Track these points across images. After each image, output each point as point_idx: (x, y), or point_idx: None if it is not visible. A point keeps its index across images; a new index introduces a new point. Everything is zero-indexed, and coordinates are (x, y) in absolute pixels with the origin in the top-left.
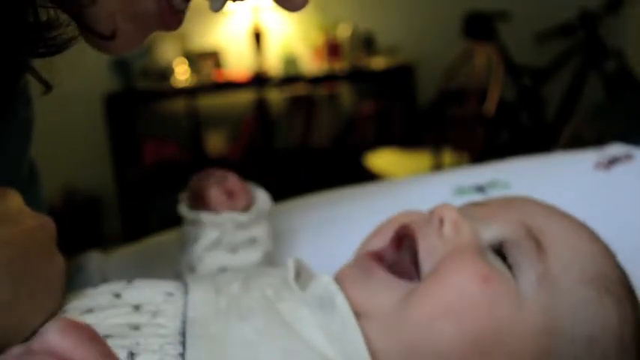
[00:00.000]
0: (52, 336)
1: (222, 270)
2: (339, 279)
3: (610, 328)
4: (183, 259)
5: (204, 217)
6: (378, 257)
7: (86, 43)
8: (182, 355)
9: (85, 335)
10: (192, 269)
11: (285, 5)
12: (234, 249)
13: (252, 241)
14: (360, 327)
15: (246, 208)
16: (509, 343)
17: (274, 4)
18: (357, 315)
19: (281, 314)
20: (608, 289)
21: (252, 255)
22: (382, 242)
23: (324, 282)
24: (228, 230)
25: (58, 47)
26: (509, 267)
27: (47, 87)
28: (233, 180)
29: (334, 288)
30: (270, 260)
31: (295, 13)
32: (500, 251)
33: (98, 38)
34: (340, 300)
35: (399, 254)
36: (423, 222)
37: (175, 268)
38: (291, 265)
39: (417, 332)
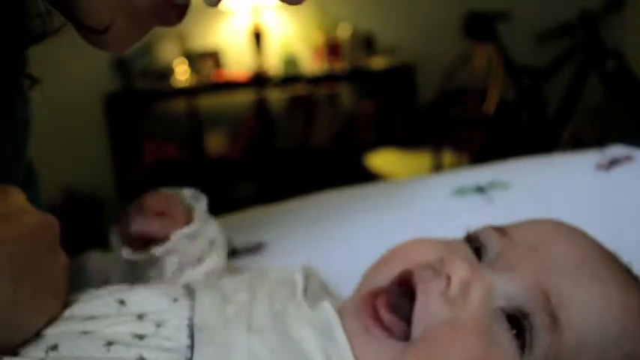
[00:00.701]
0: None
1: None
2: (341, 314)
3: None
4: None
5: (158, 251)
6: (375, 306)
7: (85, 44)
8: None
9: None
10: None
11: None
12: (199, 259)
13: (212, 243)
14: None
15: (187, 217)
16: None
17: (276, 1)
18: None
19: (289, 331)
20: None
21: (219, 257)
22: (386, 278)
23: (325, 311)
24: (185, 249)
25: (38, 37)
26: (517, 338)
27: (33, 81)
28: (154, 201)
29: (334, 321)
30: (231, 253)
31: (295, 13)
32: (514, 314)
33: (90, 33)
34: (339, 334)
35: (404, 289)
36: (429, 273)
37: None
38: (299, 280)
39: None
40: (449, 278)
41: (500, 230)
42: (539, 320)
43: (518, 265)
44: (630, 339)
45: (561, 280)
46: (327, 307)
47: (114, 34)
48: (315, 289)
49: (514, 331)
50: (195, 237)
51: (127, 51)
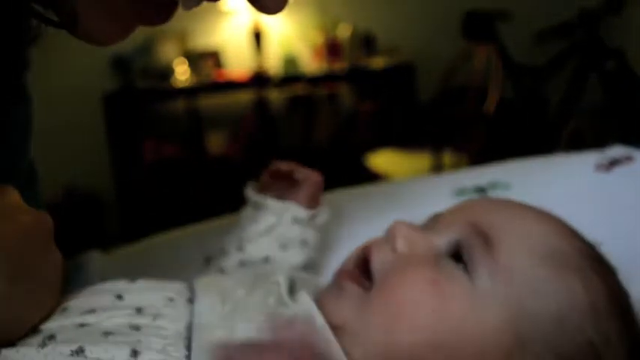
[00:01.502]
0: None
1: (265, 261)
2: (320, 296)
3: (577, 301)
4: (233, 238)
5: (269, 201)
6: (350, 274)
7: (86, 44)
8: (188, 357)
9: None
10: (240, 249)
11: (259, 8)
12: (284, 245)
13: (304, 243)
14: (340, 343)
15: (311, 203)
16: (475, 340)
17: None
18: (335, 329)
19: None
20: (567, 264)
21: (299, 256)
22: (350, 266)
23: (305, 304)
24: (284, 221)
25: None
26: (465, 267)
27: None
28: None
29: (314, 310)
30: (312, 266)
31: (295, 13)
32: (457, 255)
33: (66, 26)
34: (320, 321)
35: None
36: (381, 242)
37: (213, 251)
38: (282, 281)
39: (380, 340)
40: (395, 237)
41: (437, 214)
42: (474, 243)
43: (448, 222)
44: (555, 239)
45: (485, 213)
46: (304, 298)
47: (94, 29)
48: (302, 286)
49: (459, 265)
50: (300, 223)
51: (113, 45)
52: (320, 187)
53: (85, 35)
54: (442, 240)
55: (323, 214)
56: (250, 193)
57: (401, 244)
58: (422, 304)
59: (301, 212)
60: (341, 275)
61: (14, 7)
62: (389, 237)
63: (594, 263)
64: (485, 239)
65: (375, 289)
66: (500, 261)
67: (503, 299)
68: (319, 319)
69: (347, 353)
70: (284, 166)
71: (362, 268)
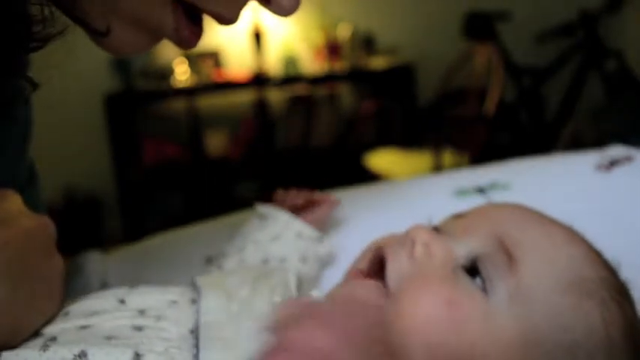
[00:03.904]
0: None
1: (264, 263)
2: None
3: (594, 332)
4: (235, 243)
5: (277, 213)
6: (364, 274)
7: (86, 45)
8: (196, 356)
9: None
10: (241, 249)
11: (274, 10)
12: (283, 258)
13: (303, 259)
14: None
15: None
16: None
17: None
18: None
19: None
20: (589, 294)
21: (296, 270)
22: (364, 266)
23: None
24: (289, 233)
25: (42, 42)
26: (483, 283)
27: (33, 86)
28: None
29: None
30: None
31: (295, 13)
32: (475, 268)
33: (91, 34)
34: None
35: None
36: (397, 245)
37: (211, 252)
38: (292, 279)
39: (394, 353)
40: (413, 243)
41: (458, 215)
42: (496, 260)
43: (471, 229)
44: (580, 266)
45: (511, 226)
46: (316, 297)
47: (119, 40)
48: (308, 287)
49: (476, 280)
50: (304, 240)
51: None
52: (333, 209)
53: (109, 47)
54: (462, 251)
55: (327, 244)
56: (259, 205)
57: (419, 251)
58: (436, 324)
59: (307, 230)
60: (354, 274)
61: (19, 13)
62: (406, 241)
63: (615, 293)
64: (509, 257)
65: (389, 304)
66: (520, 284)
67: (517, 322)
68: None
69: None
70: (300, 197)
71: (376, 269)
